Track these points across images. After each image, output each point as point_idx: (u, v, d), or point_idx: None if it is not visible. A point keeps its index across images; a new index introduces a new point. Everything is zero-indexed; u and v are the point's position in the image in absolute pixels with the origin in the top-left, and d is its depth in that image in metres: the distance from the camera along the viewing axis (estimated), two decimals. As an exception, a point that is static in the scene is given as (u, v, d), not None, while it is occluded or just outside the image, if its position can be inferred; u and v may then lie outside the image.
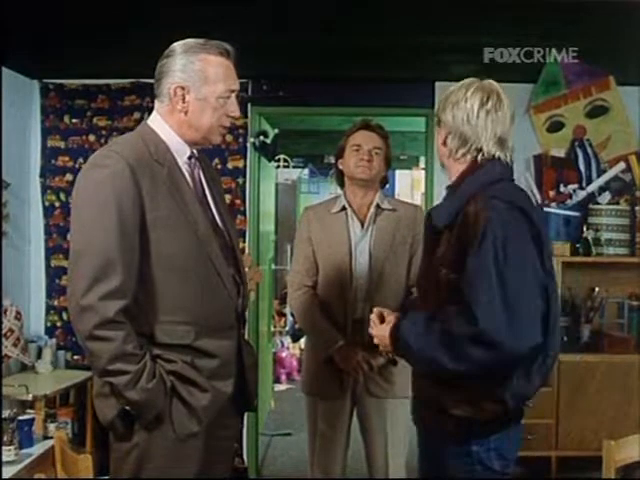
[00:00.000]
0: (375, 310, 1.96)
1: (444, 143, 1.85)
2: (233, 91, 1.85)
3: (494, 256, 1.62)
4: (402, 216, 2.70)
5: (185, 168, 1.86)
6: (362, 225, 2.71)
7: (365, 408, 2.70)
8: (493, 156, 1.79)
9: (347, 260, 2.66)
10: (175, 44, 1.83)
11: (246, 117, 3.96)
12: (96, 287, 1.65)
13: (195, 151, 1.90)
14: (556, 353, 1.81)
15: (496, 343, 1.59)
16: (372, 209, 2.71)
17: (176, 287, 1.76)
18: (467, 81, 1.84)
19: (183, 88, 1.80)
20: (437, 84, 3.86)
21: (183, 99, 1.80)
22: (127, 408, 1.71)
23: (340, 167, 2.78)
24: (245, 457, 4.01)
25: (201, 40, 1.82)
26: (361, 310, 2.62)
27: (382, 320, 1.91)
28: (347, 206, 2.73)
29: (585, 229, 3.85)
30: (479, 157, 1.80)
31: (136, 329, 1.70)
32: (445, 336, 1.67)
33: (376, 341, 1.92)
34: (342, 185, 2.82)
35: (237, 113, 1.87)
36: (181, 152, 1.85)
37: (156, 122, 1.85)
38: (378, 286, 2.62)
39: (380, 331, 1.89)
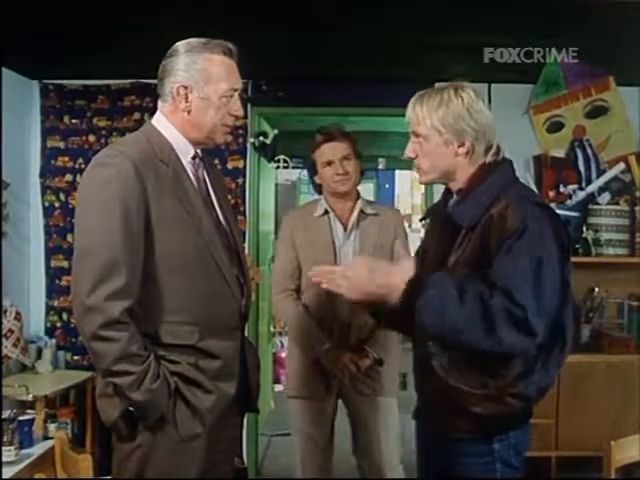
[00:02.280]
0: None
1: (468, 152, 1.78)
2: (236, 90, 1.84)
3: (533, 253, 1.62)
4: (384, 220, 2.73)
5: (189, 168, 1.85)
6: (345, 229, 2.72)
7: (355, 406, 2.73)
8: (503, 157, 1.82)
9: (331, 263, 2.64)
10: (178, 43, 1.82)
11: (246, 117, 3.95)
12: (101, 287, 1.64)
13: (199, 151, 1.90)
14: (571, 345, 1.79)
15: (533, 334, 1.60)
16: (355, 213, 2.72)
17: (180, 287, 1.76)
18: (464, 84, 1.85)
19: (186, 87, 1.79)
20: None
21: (186, 98, 1.80)
22: (130, 409, 1.71)
23: (318, 182, 2.77)
24: (245, 457, 4.00)
25: (204, 39, 1.82)
26: (346, 313, 2.62)
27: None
28: (329, 209, 2.74)
29: (585, 229, 3.85)
30: (496, 158, 1.80)
31: (140, 329, 1.70)
32: (487, 312, 1.58)
33: (370, 287, 1.63)
34: (321, 192, 2.81)
35: (240, 112, 1.87)
36: (185, 152, 1.85)
37: (160, 122, 1.85)
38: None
39: (386, 277, 1.63)
